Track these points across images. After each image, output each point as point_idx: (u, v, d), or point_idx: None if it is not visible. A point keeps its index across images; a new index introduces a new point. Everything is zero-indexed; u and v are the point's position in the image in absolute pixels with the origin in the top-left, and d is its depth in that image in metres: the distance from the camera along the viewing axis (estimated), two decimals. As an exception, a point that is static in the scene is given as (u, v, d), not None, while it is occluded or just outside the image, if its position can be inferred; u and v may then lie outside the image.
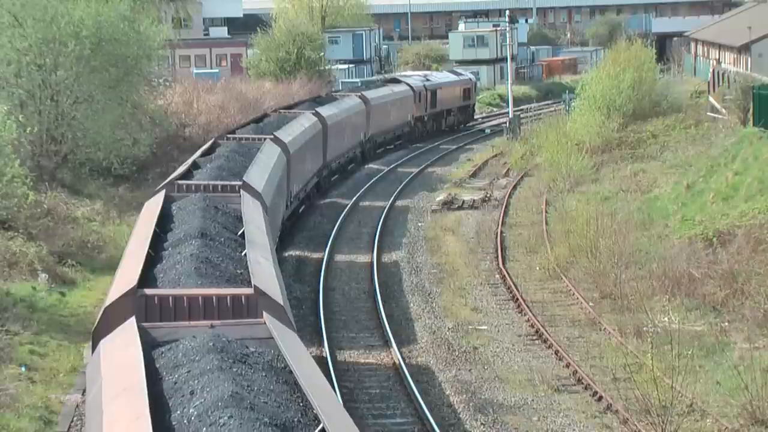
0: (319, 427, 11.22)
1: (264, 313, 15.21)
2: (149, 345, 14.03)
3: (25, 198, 34.19)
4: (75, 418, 22.65)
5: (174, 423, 11.51)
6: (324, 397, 12.46)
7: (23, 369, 24.90)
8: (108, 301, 16.24)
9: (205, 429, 11.04)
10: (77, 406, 23.16)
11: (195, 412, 11.55)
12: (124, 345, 14.25)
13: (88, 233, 36.75)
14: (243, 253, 18.90)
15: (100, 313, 16.12)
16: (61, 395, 23.87)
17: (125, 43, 46.19)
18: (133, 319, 14.87)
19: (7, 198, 33.78)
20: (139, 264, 17.27)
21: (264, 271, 17.68)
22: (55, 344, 26.95)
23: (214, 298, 15.67)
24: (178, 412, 11.77)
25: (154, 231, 20.08)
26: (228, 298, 15.69)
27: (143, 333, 14.32)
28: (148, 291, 15.88)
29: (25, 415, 22.28)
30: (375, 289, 33.75)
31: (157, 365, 13.48)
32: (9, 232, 34.05)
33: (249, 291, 15.86)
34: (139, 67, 48.00)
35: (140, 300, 15.52)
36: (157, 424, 11.19)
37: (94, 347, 15.64)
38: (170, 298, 15.66)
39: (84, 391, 23.34)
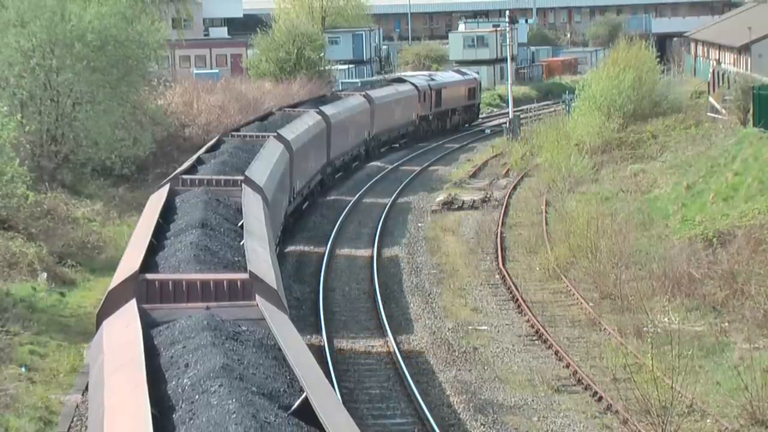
0: (303, 396, 11.99)
1: (257, 296, 16.08)
2: (148, 324, 14.93)
3: (25, 198, 34.20)
4: (75, 419, 22.65)
5: (169, 392, 12.43)
6: (309, 371, 13.21)
7: (23, 369, 24.91)
8: (112, 285, 17.06)
9: (197, 396, 11.92)
10: (77, 406, 23.17)
11: (189, 382, 12.46)
12: (124, 324, 15.11)
13: (88, 233, 36.76)
14: (241, 243, 19.57)
15: (104, 296, 16.91)
16: (61, 395, 23.87)
17: (126, 44, 46.25)
18: (134, 301, 15.72)
19: (7, 198, 33.78)
20: (142, 251, 18.10)
21: (260, 258, 18.41)
22: (55, 344, 26.95)
23: (211, 282, 16.48)
24: (174, 382, 12.68)
25: (158, 221, 20.97)
26: (224, 282, 16.49)
27: (143, 313, 15.20)
28: (149, 276, 16.70)
29: (25, 415, 22.29)
30: (375, 290, 33.75)
31: (155, 342, 14.33)
32: (9, 232, 34.04)
33: (244, 276, 16.66)
34: (140, 67, 48.07)
35: (141, 284, 16.36)
36: (154, 393, 12.08)
37: (97, 327, 16.41)
38: (170, 282, 16.46)
39: (84, 391, 23.41)
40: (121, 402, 12.19)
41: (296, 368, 12.92)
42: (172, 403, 12.11)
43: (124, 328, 15.01)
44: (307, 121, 45.31)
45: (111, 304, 16.35)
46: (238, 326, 14.68)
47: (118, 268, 18.54)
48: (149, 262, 17.92)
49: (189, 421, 11.41)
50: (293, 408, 11.95)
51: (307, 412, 11.75)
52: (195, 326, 14.43)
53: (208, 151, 33.02)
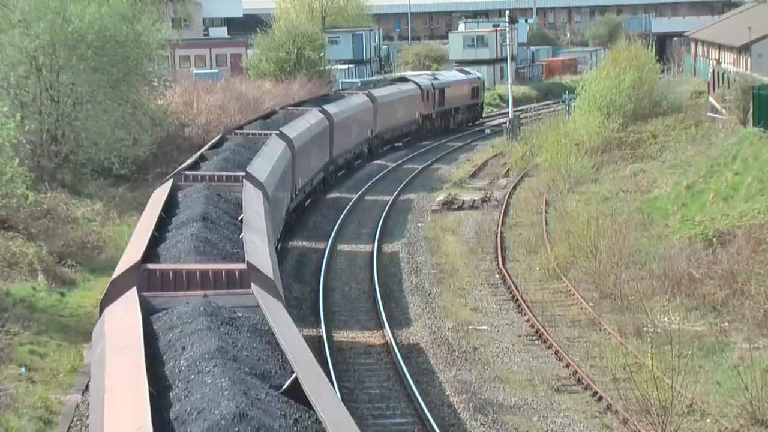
0: (293, 376, 12.62)
1: (253, 285, 16.72)
2: (148, 311, 15.60)
3: (25, 198, 34.18)
4: (75, 419, 22.65)
5: (167, 372, 13.17)
6: (299, 354, 13.83)
7: (23, 369, 24.90)
8: (114, 275, 17.72)
9: (193, 376, 12.63)
10: (77, 406, 23.17)
11: (185, 363, 13.18)
12: (125, 311, 15.80)
13: (87, 233, 36.74)
14: (241, 236, 20.14)
15: (107, 285, 17.47)
16: (61, 395, 23.86)
17: (126, 44, 46.29)
18: (134, 289, 16.38)
19: (7, 198, 33.78)
20: (144, 243, 18.67)
21: (258, 250, 19.00)
22: (55, 344, 26.95)
23: (210, 272, 17.12)
24: (171, 363, 13.40)
25: (160, 215, 21.58)
26: (223, 272, 17.13)
27: (143, 301, 15.89)
28: (151, 265, 17.33)
29: (25, 415, 22.28)
30: (375, 290, 33.74)
31: (155, 327, 15.02)
32: (9, 232, 34.02)
33: (242, 266, 17.26)
34: (140, 67, 48.10)
35: (143, 273, 16.97)
36: (153, 373, 12.80)
37: (100, 315, 17.00)
38: (170, 272, 17.10)
39: (84, 391, 23.42)
40: (120, 382, 12.81)
41: (288, 351, 13.47)
42: (170, 382, 12.79)
43: (124, 315, 15.60)
44: (310, 119, 45.77)
45: (113, 292, 16.92)
46: (234, 312, 15.28)
47: (120, 260, 19.11)
48: (151, 253, 18.50)
49: (185, 398, 12.08)
50: (284, 387, 12.54)
51: (296, 392, 12.33)
52: (192, 312, 15.02)
53: (211, 148, 33.73)
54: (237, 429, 10.89)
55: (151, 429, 10.81)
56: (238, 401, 11.42)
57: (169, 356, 13.71)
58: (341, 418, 11.89)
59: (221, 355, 13.06)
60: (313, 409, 11.83)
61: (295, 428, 11.50)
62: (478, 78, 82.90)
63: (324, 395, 12.45)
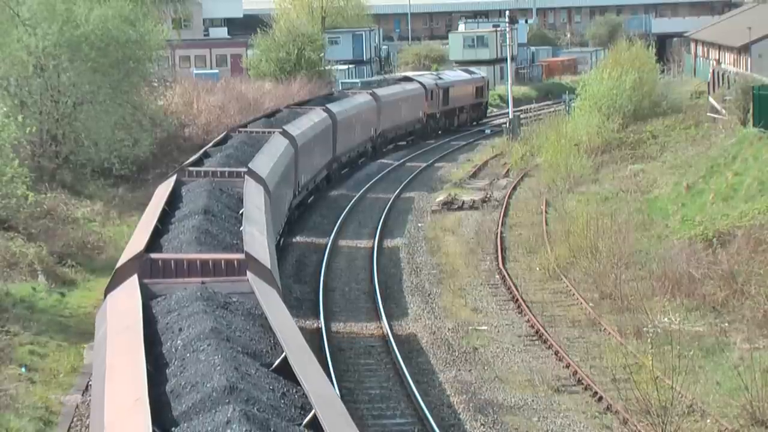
0: (282, 355, 13.39)
1: (249, 273, 17.56)
2: (148, 296, 16.45)
3: (25, 198, 34.18)
4: (75, 419, 22.65)
5: (164, 351, 14.01)
6: (290, 336, 14.56)
7: (23, 369, 24.91)
8: (118, 264, 18.61)
9: (188, 354, 13.47)
10: (77, 406, 23.18)
11: (181, 343, 14.05)
12: (126, 296, 16.66)
13: (88, 234, 36.75)
14: (240, 228, 20.79)
15: (112, 273, 18.39)
16: (61, 396, 23.87)
17: (128, 45, 46.32)
18: (136, 276, 17.27)
19: (7, 198, 33.77)
20: (147, 234, 19.45)
21: (256, 242, 19.72)
22: (55, 345, 26.95)
23: (209, 261, 17.92)
24: (168, 343, 14.26)
25: (164, 209, 22.34)
26: (222, 261, 17.92)
27: (144, 287, 16.76)
28: (153, 255, 18.09)
29: (25, 415, 22.28)
30: (375, 290, 33.74)
31: (154, 311, 15.87)
32: (9, 232, 34.03)
33: (240, 256, 17.99)
34: (140, 68, 48.13)
35: (145, 262, 17.71)
36: (151, 353, 13.68)
37: (104, 300, 17.78)
38: (171, 261, 17.89)
39: (84, 391, 23.44)
40: (120, 361, 13.68)
41: (278, 333, 14.24)
42: (167, 360, 13.69)
43: (126, 299, 16.47)
44: (313, 118, 46.25)
45: (117, 279, 17.83)
46: (230, 298, 16.09)
47: (125, 250, 19.91)
48: (154, 244, 19.22)
49: (180, 374, 13.00)
50: (274, 365, 13.27)
51: (285, 370, 13.11)
52: (189, 297, 15.86)
53: (215, 145, 34.48)
54: (227, 400, 11.62)
55: (148, 400, 11.50)
56: (229, 376, 12.24)
57: (166, 337, 14.49)
58: (326, 394, 12.57)
59: (215, 335, 13.80)
60: (300, 385, 12.53)
61: (283, 401, 12.23)
62: (483, 78, 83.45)
63: (311, 373, 13.19)
